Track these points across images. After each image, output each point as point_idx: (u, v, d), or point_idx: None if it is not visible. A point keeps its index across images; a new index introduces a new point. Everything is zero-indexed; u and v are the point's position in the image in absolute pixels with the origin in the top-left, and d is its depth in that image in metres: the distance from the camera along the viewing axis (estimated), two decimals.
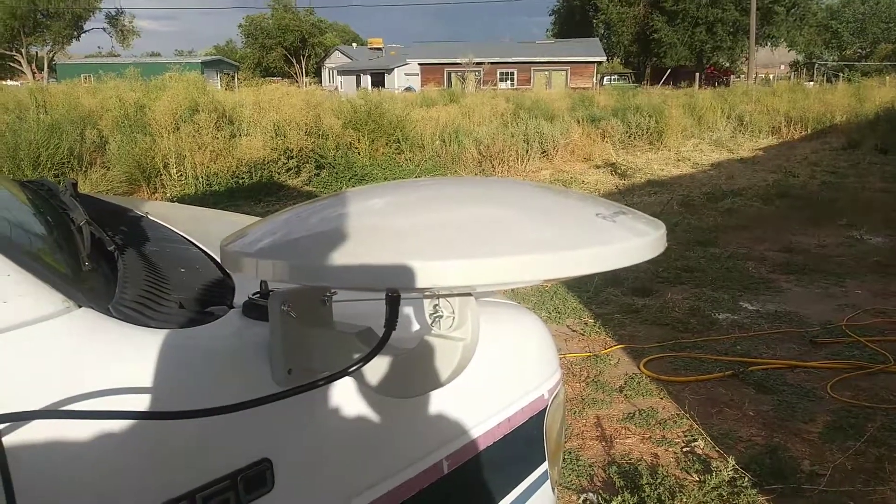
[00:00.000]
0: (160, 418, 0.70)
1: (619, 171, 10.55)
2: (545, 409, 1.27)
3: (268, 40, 58.48)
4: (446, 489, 1.03)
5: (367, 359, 0.74)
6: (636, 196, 8.47)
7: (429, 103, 16.51)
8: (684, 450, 2.74)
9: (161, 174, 8.13)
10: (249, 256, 0.73)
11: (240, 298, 0.95)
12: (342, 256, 0.69)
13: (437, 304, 0.78)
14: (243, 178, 8.36)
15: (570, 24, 58.98)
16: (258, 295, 0.91)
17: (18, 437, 0.61)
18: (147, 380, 0.71)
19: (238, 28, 64.18)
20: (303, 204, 0.90)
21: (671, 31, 48.69)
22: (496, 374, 1.19)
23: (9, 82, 17.31)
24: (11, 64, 40.85)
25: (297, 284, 0.79)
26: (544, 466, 1.27)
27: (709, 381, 3.32)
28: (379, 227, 0.76)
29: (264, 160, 8.67)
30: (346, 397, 0.87)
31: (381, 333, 0.80)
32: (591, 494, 2.44)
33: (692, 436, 2.82)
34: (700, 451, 2.71)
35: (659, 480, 2.43)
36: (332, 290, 0.84)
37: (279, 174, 8.77)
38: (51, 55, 44.31)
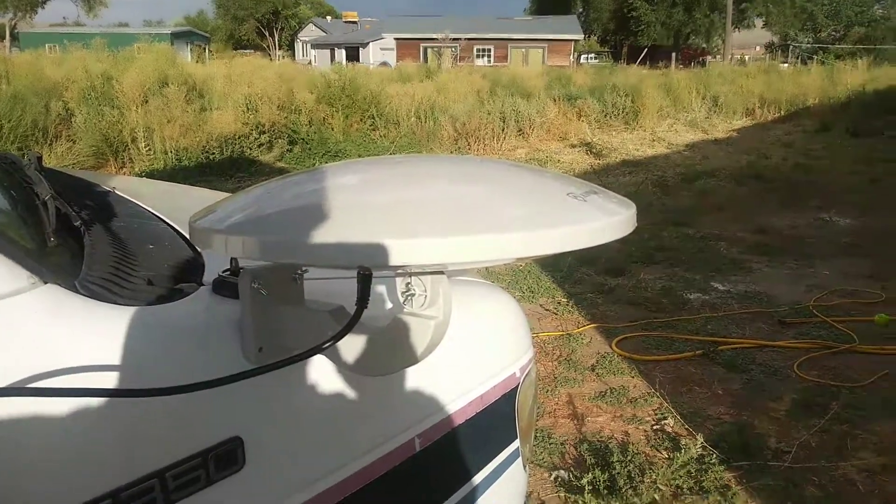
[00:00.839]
0: (128, 396, 0.68)
1: (594, 150, 10.56)
2: (517, 386, 1.26)
3: (240, 11, 57.30)
4: (418, 467, 1.03)
5: (338, 337, 0.73)
6: (611, 176, 8.50)
7: (404, 79, 16.32)
8: (654, 427, 2.77)
9: (129, 148, 7.96)
10: (219, 233, 0.72)
11: (210, 276, 0.93)
12: (314, 233, 0.68)
13: (409, 283, 0.78)
14: (214, 153, 8.22)
15: (548, 0, 58.71)
16: (228, 272, 0.89)
17: None
18: (114, 357, 0.69)
19: None
20: (275, 179, 0.89)
21: (650, 9, 48.68)
22: (469, 353, 1.19)
23: None
24: None
25: (268, 262, 0.77)
26: (516, 444, 1.27)
27: (679, 361, 3.35)
28: (351, 203, 0.75)
29: (235, 135, 8.53)
30: (318, 376, 0.86)
31: (352, 311, 0.78)
32: (562, 472, 2.46)
33: (662, 414, 2.85)
34: (670, 429, 2.74)
35: (629, 458, 2.46)
36: (304, 268, 0.82)
37: (251, 149, 8.64)
38: (13, 23, 42.99)
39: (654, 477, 2.35)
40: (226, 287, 0.86)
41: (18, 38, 39.32)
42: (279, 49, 54.06)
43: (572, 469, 2.47)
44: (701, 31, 49.97)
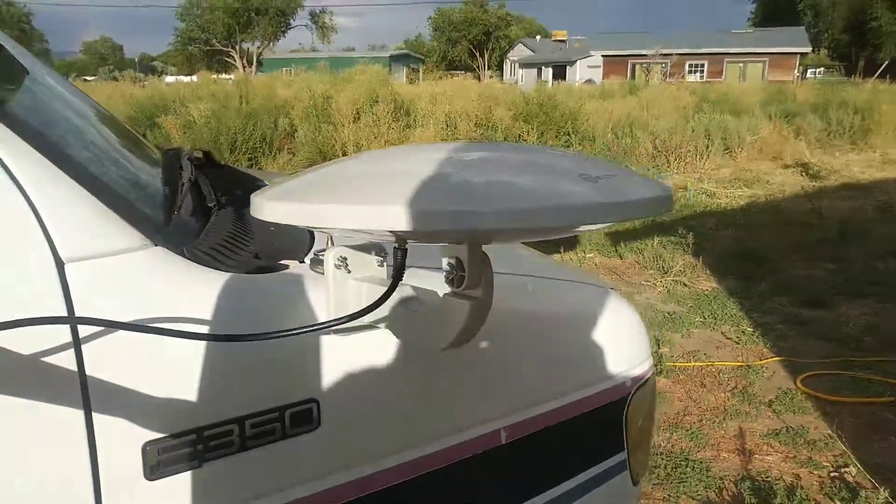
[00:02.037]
0: (216, 340, 0.78)
1: (810, 171, 9.66)
2: (627, 397, 1.24)
3: (454, 34, 59.98)
4: (502, 459, 1.05)
5: (370, 309, 0.79)
6: (825, 199, 7.72)
7: (606, 95, 16.09)
8: (832, 474, 2.50)
9: None
10: (262, 200, 0.78)
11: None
12: (325, 199, 0.74)
13: (450, 262, 0.79)
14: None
15: (774, 10, 54.57)
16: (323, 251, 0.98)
17: (95, 346, 0.72)
18: (202, 312, 0.80)
19: (427, 20, 66.46)
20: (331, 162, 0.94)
21: (893, 19, 43.35)
22: (573, 355, 1.20)
23: (223, 76, 19.34)
24: (227, 59, 45.57)
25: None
26: (622, 456, 1.24)
27: (874, 405, 2.99)
28: (369, 175, 0.80)
29: None
30: (397, 353, 0.92)
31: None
32: None
33: (844, 461, 2.57)
34: (850, 479, 2.46)
35: (796, 503, 2.25)
36: (385, 252, 0.89)
37: None
38: (259, 51, 48.83)
39: None
40: (320, 264, 0.94)
41: (262, 63, 44.44)
42: (488, 69, 55.76)
43: None
44: None
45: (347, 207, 0.71)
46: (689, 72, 39.42)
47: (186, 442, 0.77)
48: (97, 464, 0.73)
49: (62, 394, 0.71)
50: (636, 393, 1.26)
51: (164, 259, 0.81)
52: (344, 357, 0.89)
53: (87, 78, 36.25)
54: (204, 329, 0.79)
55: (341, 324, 0.80)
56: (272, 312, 0.85)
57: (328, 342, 0.88)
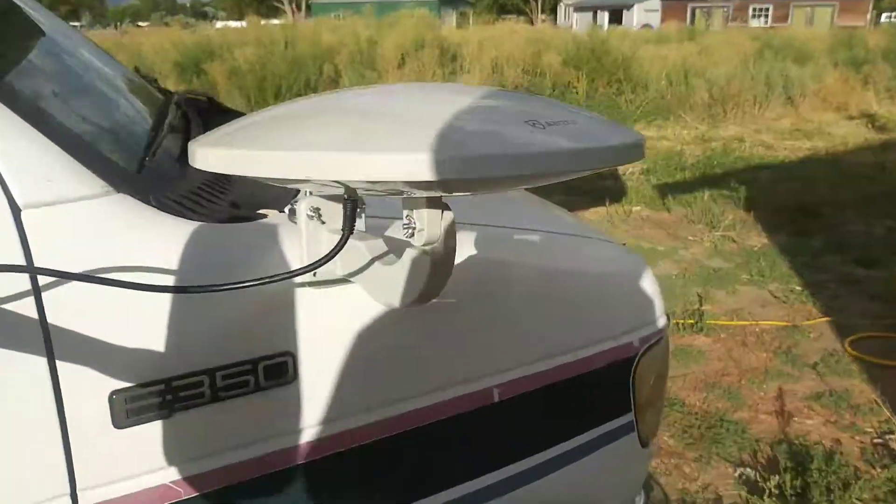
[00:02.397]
0: (163, 291, 0.75)
1: (877, 123, 9.17)
2: (635, 356, 1.19)
3: None
4: (495, 418, 1.02)
5: (320, 262, 0.76)
6: (891, 152, 7.33)
7: (662, 41, 15.46)
8: (874, 441, 2.41)
9: None
10: (196, 147, 0.73)
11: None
12: (259, 144, 0.69)
13: (408, 214, 0.75)
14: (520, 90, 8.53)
15: None
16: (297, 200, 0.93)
17: (56, 294, 0.71)
18: (165, 262, 0.77)
19: None
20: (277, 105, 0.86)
21: None
22: (574, 312, 1.14)
23: (272, 21, 19.26)
24: (276, 3, 45.32)
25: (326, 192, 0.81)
26: (628, 417, 1.20)
27: None
28: (309, 117, 0.73)
29: None
30: (379, 307, 0.88)
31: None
32: (748, 470, 2.26)
33: (888, 427, 2.47)
34: (894, 446, 2.36)
35: (833, 468, 2.17)
36: (364, 203, 0.84)
37: None
38: None
39: (856, 493, 2.06)
40: (295, 214, 0.89)
41: (311, 8, 44.10)
42: (541, 13, 54.21)
43: (761, 469, 2.25)
44: None
45: (277, 154, 0.65)
46: (753, 16, 37.64)
47: (155, 392, 0.76)
48: (64, 413, 0.72)
49: (24, 343, 0.70)
50: (646, 353, 1.21)
51: (125, 206, 0.78)
52: (321, 310, 0.86)
53: (139, 24, 36.65)
54: (160, 280, 0.76)
55: (288, 278, 0.76)
56: (238, 264, 0.81)
57: (304, 294, 0.84)
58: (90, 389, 0.73)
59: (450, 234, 0.74)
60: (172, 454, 0.78)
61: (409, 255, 0.76)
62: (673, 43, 14.81)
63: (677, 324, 3.33)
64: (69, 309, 0.72)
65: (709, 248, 4.57)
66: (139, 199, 0.79)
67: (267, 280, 0.75)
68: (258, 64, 8.46)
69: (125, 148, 0.96)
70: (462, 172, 0.61)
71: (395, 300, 0.80)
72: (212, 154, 0.71)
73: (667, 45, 13.90)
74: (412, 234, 0.75)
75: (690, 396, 2.74)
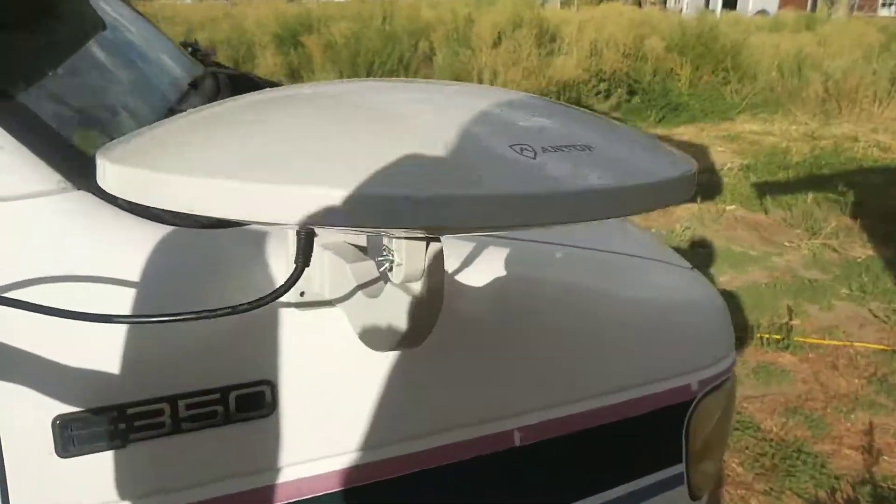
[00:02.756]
0: (77, 319, 0.60)
1: None
2: (691, 402, 1.05)
3: None
4: (516, 464, 0.91)
5: (275, 294, 0.62)
6: None
7: (777, 28, 14.52)
8: None
9: None
10: (102, 160, 0.54)
11: None
12: (173, 165, 0.50)
13: (385, 247, 0.62)
14: (550, 97, 8.33)
15: None
16: None
17: None
18: (118, 270, 0.68)
19: None
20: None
21: None
22: (620, 345, 1.00)
23: None
24: None
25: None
26: (679, 469, 1.06)
27: None
28: (243, 125, 0.57)
29: (574, 81, 8.51)
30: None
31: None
32: None
33: None
34: None
35: None
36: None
37: (587, 96, 8.56)
38: None
39: None
40: None
41: None
42: None
43: None
44: None
45: (198, 182, 0.47)
46: (882, 4, 34.83)
47: (105, 419, 0.68)
48: None
49: None
50: (705, 398, 1.06)
51: (83, 205, 0.68)
52: (308, 334, 0.76)
53: None
54: (103, 294, 0.67)
55: (229, 314, 0.62)
56: (214, 276, 0.73)
57: (288, 316, 0.75)
58: (30, 413, 0.67)
59: (435, 270, 0.62)
60: (125, 488, 0.71)
61: (387, 293, 0.66)
62: (788, 31, 13.89)
63: (761, 338, 3.10)
64: (6, 322, 0.64)
65: (806, 255, 4.24)
66: (102, 198, 0.70)
67: (192, 316, 0.61)
68: (353, 38, 8.47)
69: (104, 138, 0.88)
70: (380, 218, 0.44)
71: (375, 343, 0.71)
72: (119, 172, 0.53)
73: (781, 34, 13.05)
74: (390, 269, 0.63)
75: (767, 421, 2.53)
